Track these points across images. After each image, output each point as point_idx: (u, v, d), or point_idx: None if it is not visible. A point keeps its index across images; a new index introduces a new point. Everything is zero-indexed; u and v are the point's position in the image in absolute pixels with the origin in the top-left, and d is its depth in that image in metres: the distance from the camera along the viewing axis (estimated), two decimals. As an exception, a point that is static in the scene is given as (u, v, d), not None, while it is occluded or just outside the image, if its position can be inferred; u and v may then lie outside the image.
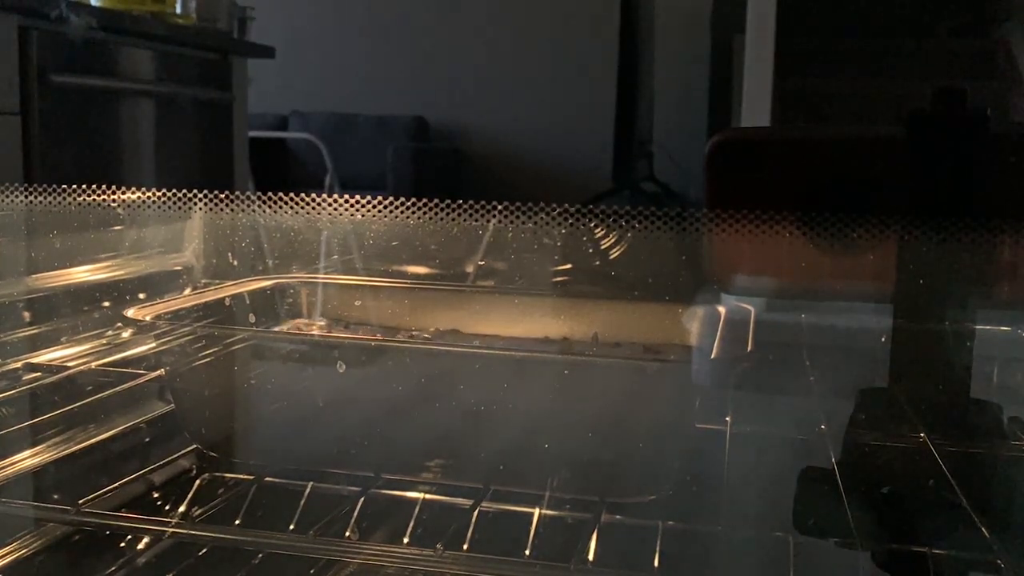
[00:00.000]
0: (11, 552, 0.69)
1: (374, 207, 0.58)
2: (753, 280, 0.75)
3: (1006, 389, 0.82)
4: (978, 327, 0.79)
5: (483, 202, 0.56)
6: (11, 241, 0.83)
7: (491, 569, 0.58)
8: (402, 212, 0.57)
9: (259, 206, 0.60)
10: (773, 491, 0.71)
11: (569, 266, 0.87)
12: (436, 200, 0.57)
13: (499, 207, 0.56)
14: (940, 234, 0.54)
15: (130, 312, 0.75)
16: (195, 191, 0.61)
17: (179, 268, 0.99)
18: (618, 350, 0.75)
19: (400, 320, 0.84)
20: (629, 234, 0.59)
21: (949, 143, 0.68)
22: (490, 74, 3.70)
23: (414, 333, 0.81)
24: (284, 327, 0.84)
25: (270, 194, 0.60)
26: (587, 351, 0.76)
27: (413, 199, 0.57)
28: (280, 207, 0.60)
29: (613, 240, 0.82)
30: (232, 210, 0.60)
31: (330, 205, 0.59)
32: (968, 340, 0.79)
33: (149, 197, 0.63)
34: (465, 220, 0.57)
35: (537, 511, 0.64)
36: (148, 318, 0.74)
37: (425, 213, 0.57)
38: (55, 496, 0.69)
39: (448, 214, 0.57)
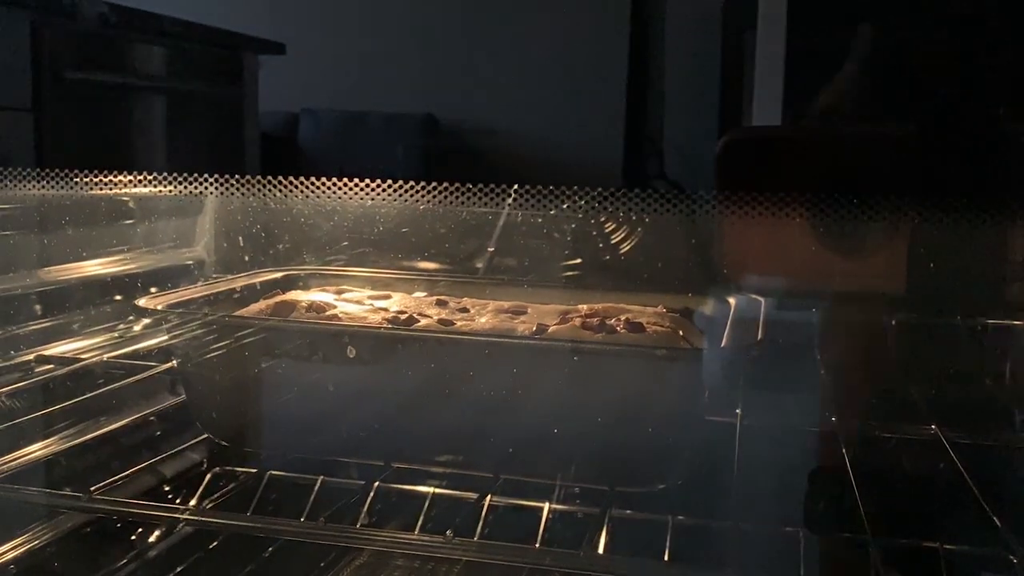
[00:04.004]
0: (25, 542, 0.69)
1: (384, 190, 0.58)
2: (764, 280, 0.75)
3: (1018, 384, 0.82)
4: (991, 322, 0.79)
5: (492, 184, 0.56)
6: (24, 235, 0.84)
7: (502, 556, 0.58)
8: (412, 196, 0.58)
9: (269, 190, 0.60)
10: (784, 484, 0.70)
11: (579, 260, 0.87)
12: (445, 183, 0.57)
13: (511, 190, 0.56)
14: (951, 232, 0.54)
15: (141, 301, 0.75)
16: (205, 174, 0.62)
17: (191, 262, 0.99)
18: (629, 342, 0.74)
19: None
20: (639, 228, 0.59)
21: (962, 140, 0.68)
22: (500, 72, 3.68)
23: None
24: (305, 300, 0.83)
25: (280, 177, 0.60)
26: (601, 317, 0.75)
27: (423, 182, 0.57)
28: (290, 190, 0.60)
29: (623, 235, 0.82)
30: (243, 194, 0.61)
31: (340, 188, 0.59)
32: (980, 335, 0.79)
33: (161, 180, 0.63)
34: (476, 204, 0.57)
35: (547, 505, 0.63)
36: (159, 307, 0.74)
37: (435, 197, 0.57)
38: (67, 488, 0.69)
39: (458, 197, 0.57)
